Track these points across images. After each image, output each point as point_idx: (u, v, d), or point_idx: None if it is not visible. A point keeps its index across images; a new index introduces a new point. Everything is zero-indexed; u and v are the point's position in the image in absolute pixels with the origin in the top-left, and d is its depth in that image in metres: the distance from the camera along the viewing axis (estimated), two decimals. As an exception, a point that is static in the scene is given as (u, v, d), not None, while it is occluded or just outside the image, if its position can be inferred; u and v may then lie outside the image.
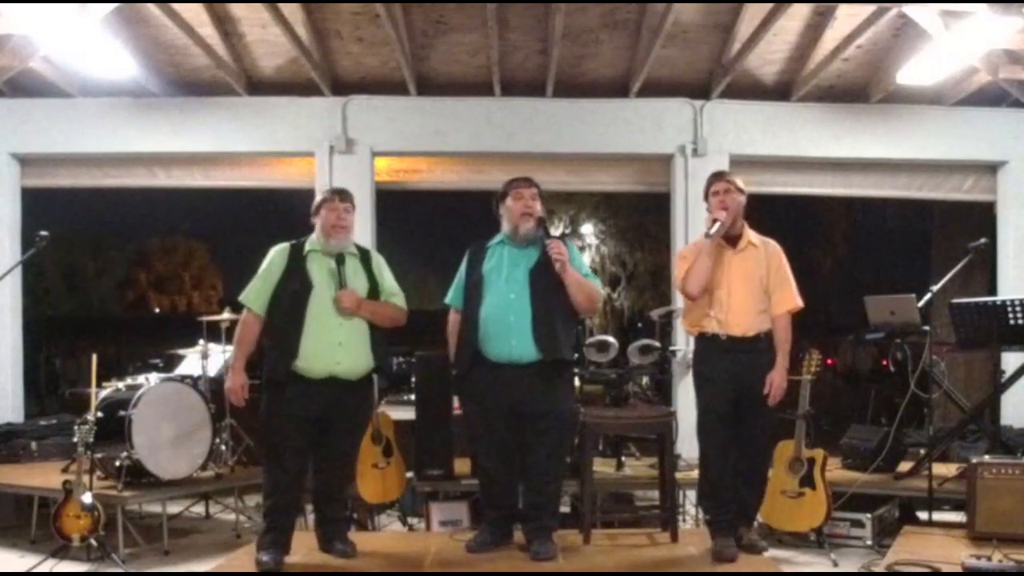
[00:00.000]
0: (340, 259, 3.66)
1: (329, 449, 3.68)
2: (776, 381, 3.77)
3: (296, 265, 3.65)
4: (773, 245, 3.92)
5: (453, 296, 3.88)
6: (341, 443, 3.72)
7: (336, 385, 3.57)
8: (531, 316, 3.60)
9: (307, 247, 3.72)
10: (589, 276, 3.80)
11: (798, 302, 3.86)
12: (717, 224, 3.76)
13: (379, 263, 3.87)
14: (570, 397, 3.82)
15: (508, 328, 3.59)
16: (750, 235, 3.90)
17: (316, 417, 3.58)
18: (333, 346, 3.56)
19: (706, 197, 3.91)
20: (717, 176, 3.92)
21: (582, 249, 17.48)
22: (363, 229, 6.32)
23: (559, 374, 3.69)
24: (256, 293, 3.66)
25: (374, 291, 3.75)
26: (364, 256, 3.83)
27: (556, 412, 3.66)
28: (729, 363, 3.76)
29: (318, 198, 3.81)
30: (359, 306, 3.62)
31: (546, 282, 3.63)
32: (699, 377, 3.91)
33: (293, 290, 3.60)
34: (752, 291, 3.80)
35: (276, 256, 3.71)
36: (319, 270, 3.65)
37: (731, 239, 3.85)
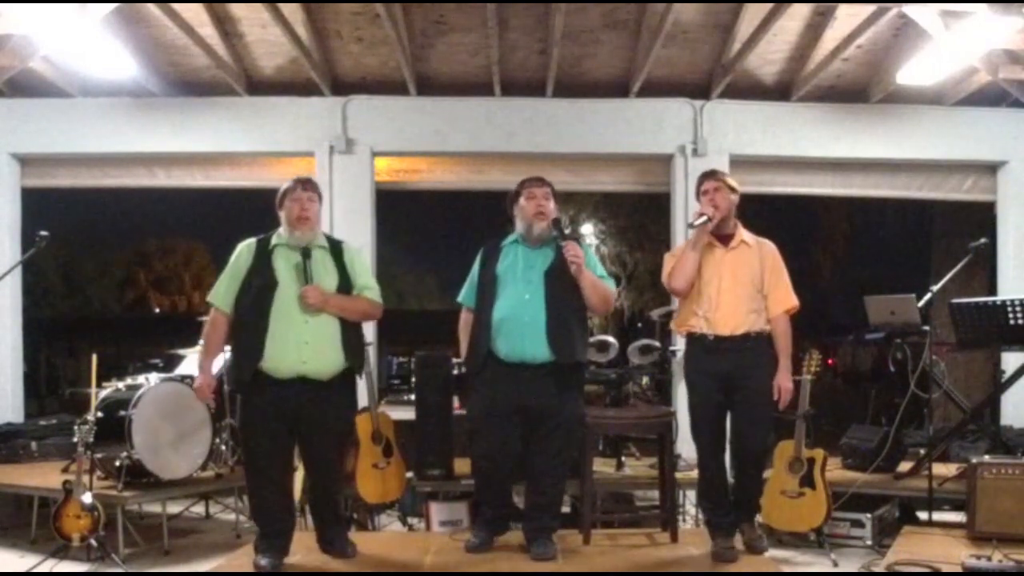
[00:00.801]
0: (306, 253, 3.50)
1: (312, 452, 3.60)
2: (783, 385, 3.74)
3: (262, 261, 3.52)
4: (768, 245, 3.89)
5: (466, 295, 3.86)
6: (322, 445, 3.58)
7: (306, 385, 3.44)
8: (545, 317, 3.58)
9: (273, 241, 3.58)
10: (604, 277, 3.78)
11: (794, 301, 3.84)
12: (703, 217, 3.74)
13: (352, 256, 3.71)
14: (579, 400, 3.80)
15: (522, 328, 3.57)
16: (743, 234, 3.86)
17: (290, 419, 3.47)
18: (299, 345, 3.42)
19: (697, 196, 3.89)
20: (708, 175, 3.90)
21: (583, 249, 17.47)
22: (363, 229, 6.35)
23: (571, 376, 3.68)
24: (224, 291, 3.54)
25: (345, 285, 3.60)
26: (335, 248, 3.68)
27: (565, 414, 3.66)
28: (717, 363, 3.73)
29: (281, 189, 3.65)
30: (326, 302, 3.50)
31: (561, 283, 3.62)
32: (688, 379, 3.89)
33: (258, 287, 3.47)
34: (744, 290, 3.76)
35: (242, 252, 3.58)
36: (285, 265, 3.51)
37: (723, 238, 3.83)
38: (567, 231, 3.68)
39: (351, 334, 3.59)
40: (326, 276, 3.56)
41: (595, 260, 3.86)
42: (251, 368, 3.42)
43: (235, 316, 3.53)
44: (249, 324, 3.46)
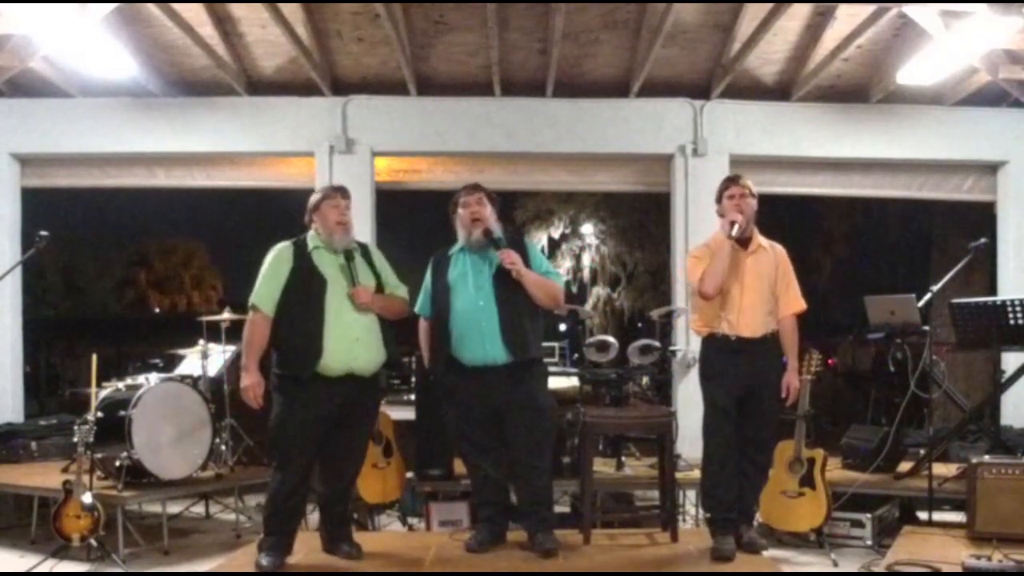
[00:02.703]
0: (349, 255, 3.64)
1: (343, 447, 3.65)
2: (793, 384, 3.89)
3: (304, 263, 3.62)
4: (780, 248, 4.00)
5: (421, 306, 3.96)
6: (354, 439, 3.70)
7: (352, 381, 3.56)
8: (499, 320, 3.67)
9: (311, 244, 3.68)
10: (549, 273, 3.87)
11: (803, 304, 3.95)
12: (736, 226, 3.80)
13: (379, 257, 3.88)
14: (545, 391, 3.88)
15: (481, 333, 3.67)
16: (759, 238, 3.96)
17: (332, 416, 3.56)
18: (351, 342, 3.55)
19: (719, 200, 3.95)
20: (732, 180, 3.97)
21: (582, 249, 17.52)
22: (363, 229, 6.32)
23: (531, 371, 3.76)
24: (267, 293, 3.59)
25: (379, 285, 3.75)
26: (364, 251, 3.83)
27: (533, 406, 3.72)
28: (738, 363, 3.80)
29: (316, 196, 3.78)
30: (373, 301, 3.63)
31: (509, 286, 3.70)
32: (707, 376, 3.93)
33: (307, 288, 3.57)
34: (762, 293, 3.86)
35: (282, 254, 3.66)
36: (329, 267, 3.63)
37: (743, 241, 3.90)
38: (498, 236, 3.75)
39: (387, 330, 3.72)
40: (366, 277, 3.69)
41: (540, 258, 3.94)
42: (311, 366, 3.49)
43: (281, 317, 3.57)
44: (302, 323, 3.53)
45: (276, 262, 3.64)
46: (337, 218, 3.67)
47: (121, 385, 5.16)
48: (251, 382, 3.52)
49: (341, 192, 3.78)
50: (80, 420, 4.42)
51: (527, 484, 3.76)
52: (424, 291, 3.95)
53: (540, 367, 3.86)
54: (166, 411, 4.78)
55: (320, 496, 3.74)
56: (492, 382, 3.68)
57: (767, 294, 3.87)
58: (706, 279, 3.81)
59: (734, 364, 3.80)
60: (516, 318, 3.70)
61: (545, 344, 4.06)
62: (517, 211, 16.68)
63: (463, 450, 3.90)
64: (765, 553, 3.87)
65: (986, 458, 4.09)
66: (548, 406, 3.82)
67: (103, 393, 4.96)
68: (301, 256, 3.64)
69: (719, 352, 3.86)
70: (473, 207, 3.81)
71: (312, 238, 3.71)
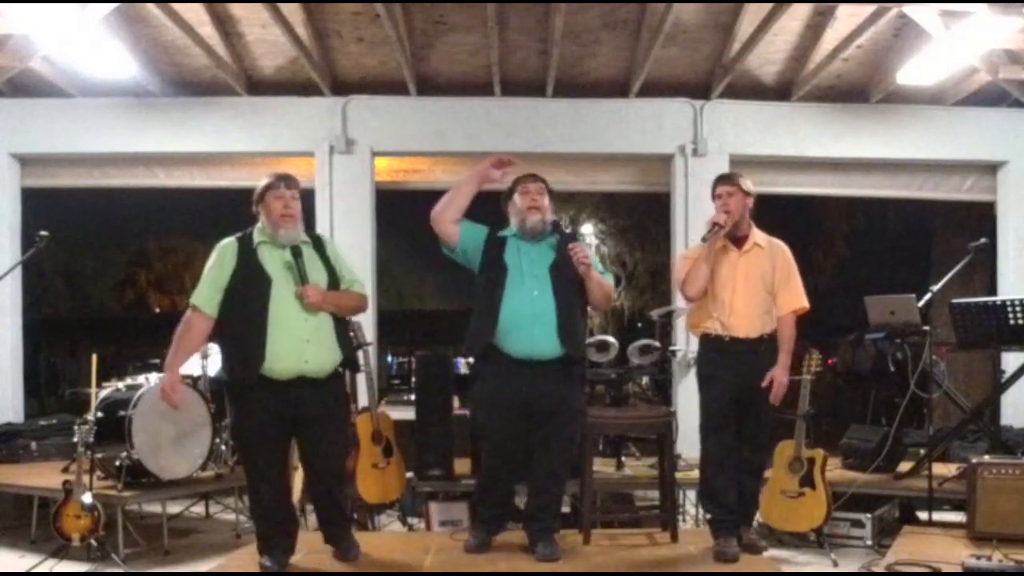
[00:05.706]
0: (296, 251, 3.41)
1: (312, 451, 3.54)
2: (778, 379, 3.74)
3: (248, 260, 3.41)
4: (780, 245, 3.92)
5: (465, 233, 3.71)
6: (323, 443, 3.52)
7: (305, 384, 3.38)
8: (556, 312, 3.59)
9: (256, 239, 3.47)
10: (604, 273, 3.83)
11: (803, 303, 3.85)
12: (715, 228, 3.75)
13: (335, 250, 3.67)
14: (581, 394, 3.83)
15: (532, 324, 3.56)
16: (757, 236, 3.89)
17: (290, 419, 3.41)
18: (300, 344, 3.36)
19: (714, 199, 3.91)
20: (723, 179, 3.92)
21: (582, 249, 17.49)
22: (363, 229, 6.36)
23: (575, 371, 3.70)
24: (209, 293, 3.40)
25: (333, 281, 3.54)
26: (317, 244, 3.60)
27: (569, 411, 3.67)
28: (731, 364, 3.76)
29: (260, 186, 3.52)
30: (324, 299, 3.43)
31: (566, 279, 3.65)
32: (701, 378, 3.91)
33: (250, 288, 3.38)
34: (757, 293, 3.80)
35: (225, 252, 3.45)
36: (274, 264, 3.42)
37: (737, 240, 3.86)
38: (568, 231, 3.69)
39: (342, 328, 3.57)
40: (317, 273, 3.50)
41: (595, 257, 3.88)
42: (255, 370, 3.33)
43: (224, 319, 3.42)
44: (246, 326, 3.36)
45: (219, 259, 3.43)
46: (280, 211, 3.41)
47: (121, 385, 5.16)
48: (168, 382, 3.41)
49: (286, 181, 3.49)
50: (80, 420, 4.43)
51: (543, 490, 3.72)
52: (474, 229, 3.72)
53: (581, 368, 3.80)
54: (166, 411, 4.73)
55: (310, 498, 3.70)
56: (535, 377, 3.56)
57: (763, 294, 3.80)
58: (687, 282, 3.80)
59: (728, 364, 3.76)
60: (571, 313, 3.64)
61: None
62: (517, 211, 16.63)
63: (484, 450, 3.83)
64: (765, 553, 3.87)
65: (986, 458, 4.09)
66: (582, 411, 3.80)
67: (103, 393, 4.96)
68: (245, 252, 3.42)
69: (713, 352, 3.83)
70: (533, 195, 3.72)
71: (258, 232, 3.49)
